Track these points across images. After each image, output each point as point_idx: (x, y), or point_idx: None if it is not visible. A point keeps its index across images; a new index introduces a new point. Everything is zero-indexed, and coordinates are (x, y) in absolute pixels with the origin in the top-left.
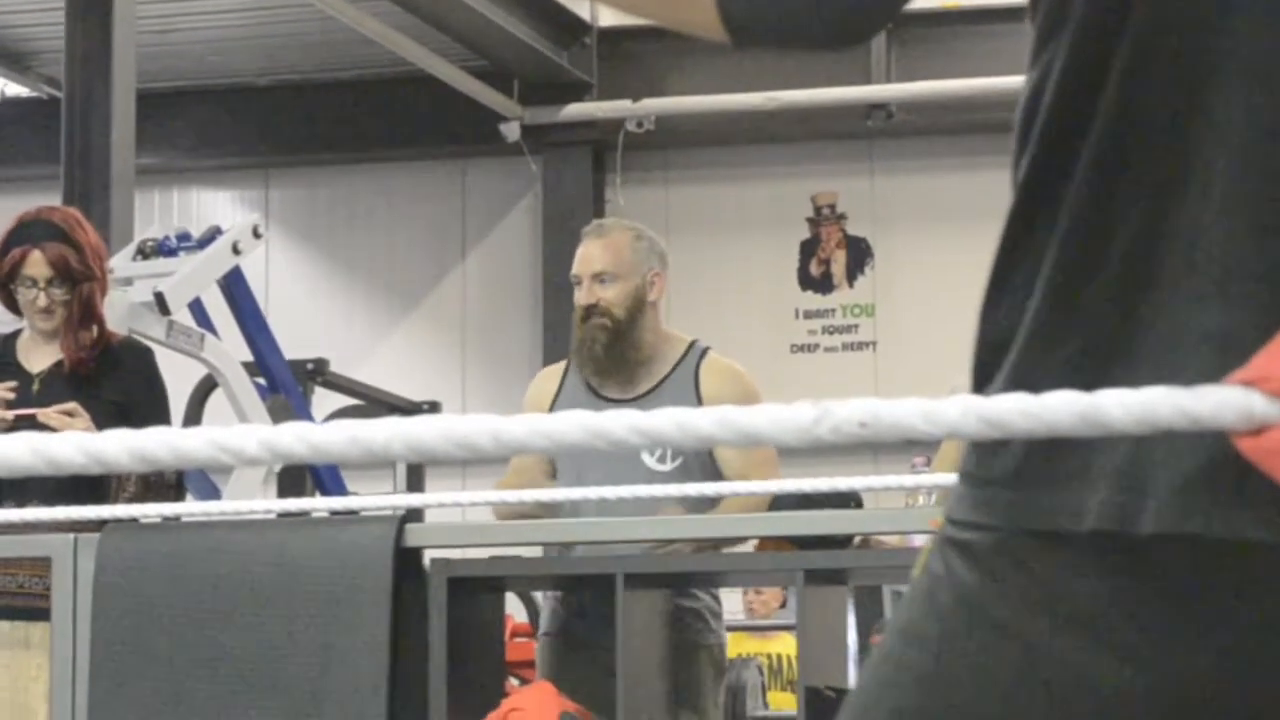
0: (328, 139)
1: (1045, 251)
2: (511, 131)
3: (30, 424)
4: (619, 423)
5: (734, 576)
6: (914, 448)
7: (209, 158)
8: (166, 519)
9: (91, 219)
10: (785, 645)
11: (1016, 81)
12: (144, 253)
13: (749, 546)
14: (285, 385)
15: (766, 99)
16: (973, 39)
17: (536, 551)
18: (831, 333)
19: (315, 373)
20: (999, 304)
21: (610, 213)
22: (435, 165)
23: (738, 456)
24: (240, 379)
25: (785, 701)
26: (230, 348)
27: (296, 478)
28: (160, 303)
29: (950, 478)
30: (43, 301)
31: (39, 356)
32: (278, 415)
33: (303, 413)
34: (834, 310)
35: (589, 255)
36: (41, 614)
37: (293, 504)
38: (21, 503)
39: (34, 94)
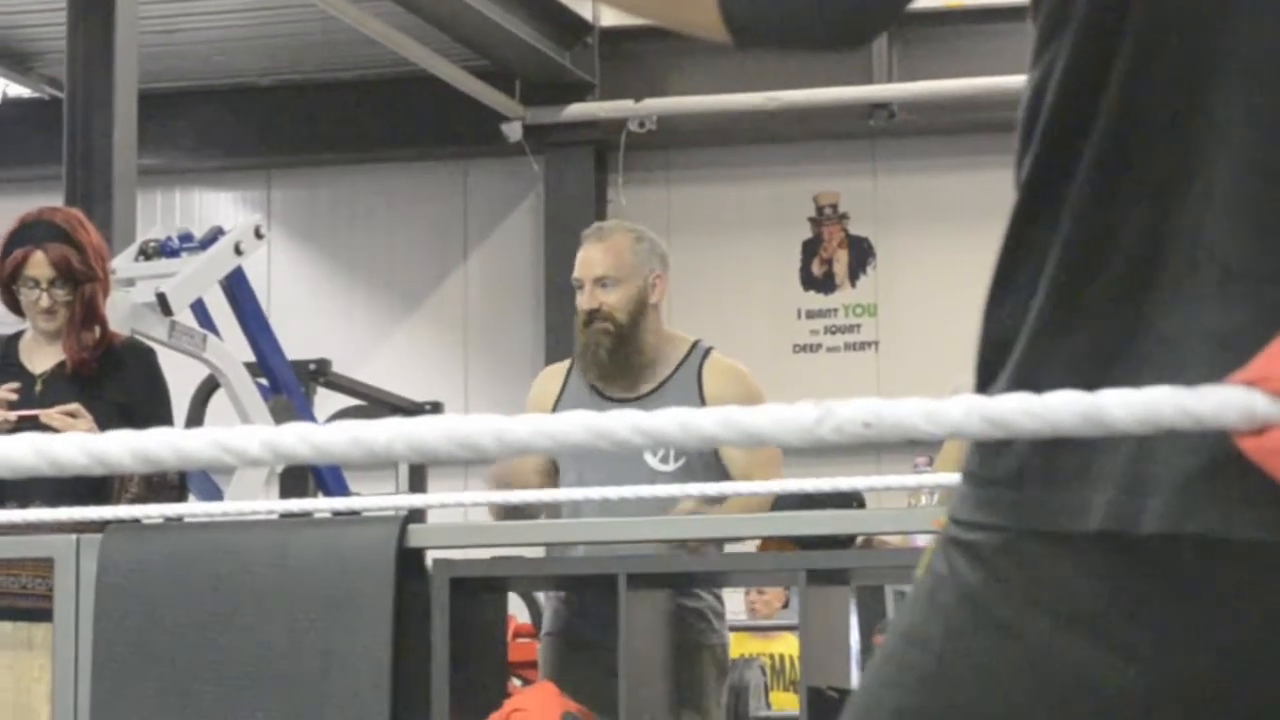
0: (330, 139)
1: (1048, 251)
2: (513, 132)
3: (33, 425)
4: (622, 423)
5: (736, 576)
6: (916, 447)
7: (211, 158)
8: (169, 520)
9: (93, 219)
10: (788, 645)
11: (1018, 81)
12: (146, 253)
13: (751, 546)
14: (287, 386)
15: (768, 99)
16: (975, 38)
17: (539, 552)
18: (833, 333)
19: (317, 373)
20: (1002, 303)
21: (612, 213)
22: (437, 165)
23: (743, 455)
24: (242, 380)
25: (788, 702)
26: (232, 348)
27: (299, 478)
28: (162, 303)
29: (952, 478)
30: (45, 302)
31: (41, 357)
32: (280, 416)
33: (305, 413)
34: (836, 310)
35: (590, 259)
36: (44, 615)
37: (295, 505)
38: (24, 503)
39: (36, 94)
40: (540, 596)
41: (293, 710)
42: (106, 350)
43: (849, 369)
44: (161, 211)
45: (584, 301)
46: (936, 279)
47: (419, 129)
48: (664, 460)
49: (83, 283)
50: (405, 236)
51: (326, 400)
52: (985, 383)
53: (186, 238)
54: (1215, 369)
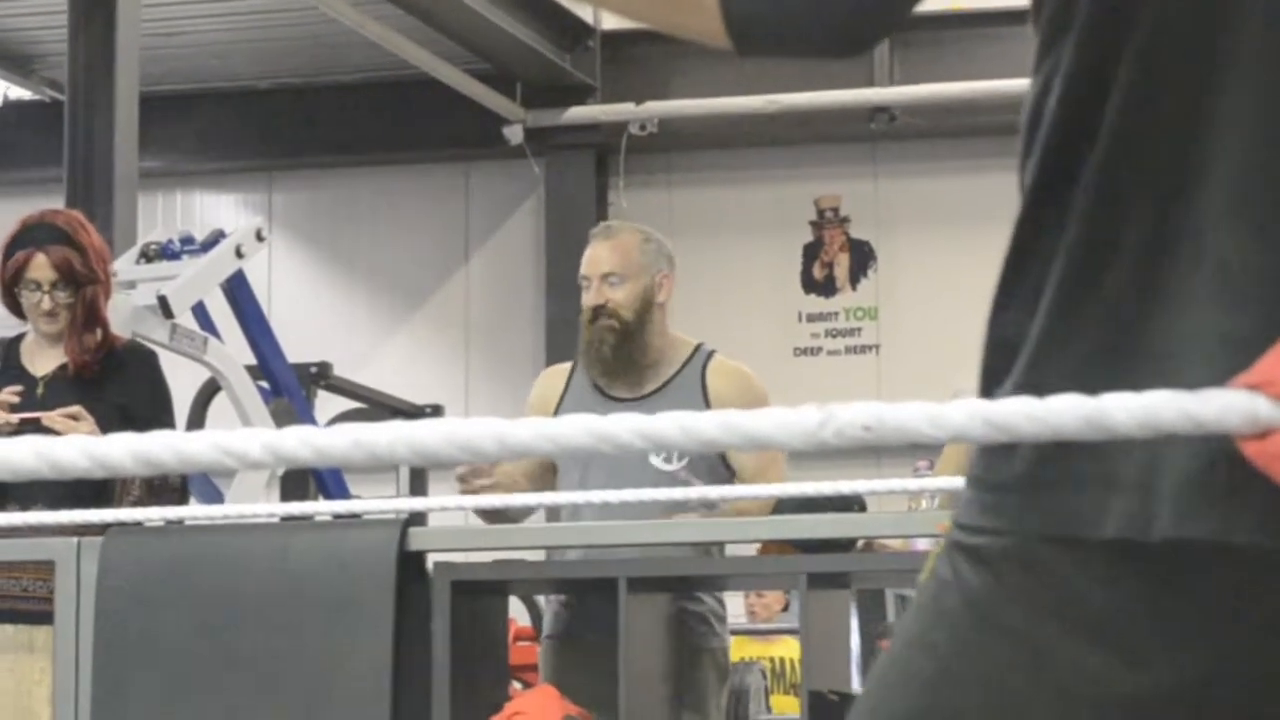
0: (331, 142)
1: (1054, 255)
2: (514, 134)
3: (34, 427)
4: (623, 426)
5: (737, 580)
6: (917, 451)
7: (212, 161)
8: (170, 523)
9: (95, 222)
10: (788, 649)
11: (1019, 84)
12: (147, 256)
13: (752, 550)
14: (288, 388)
15: (769, 102)
16: (975, 42)
17: (539, 555)
18: (834, 336)
19: (318, 376)
20: (1007, 307)
21: (613, 215)
22: (438, 168)
23: (749, 460)
24: (243, 382)
25: (788, 705)
26: (233, 351)
27: (300, 481)
28: (163, 306)
29: (953, 481)
30: (47, 305)
31: (43, 360)
32: (281, 419)
33: (306, 416)
34: (837, 313)
35: (597, 256)
36: (45, 618)
37: (296, 508)
38: (26, 506)
39: (37, 97)
40: (541, 600)
41: (293, 713)
42: (108, 353)
43: (850, 372)
44: (162, 214)
45: (590, 298)
46: (937, 282)
47: (420, 132)
48: (667, 460)
49: (84, 285)
50: (406, 239)
51: (327, 403)
52: (990, 387)
53: (188, 240)
54: (1219, 372)
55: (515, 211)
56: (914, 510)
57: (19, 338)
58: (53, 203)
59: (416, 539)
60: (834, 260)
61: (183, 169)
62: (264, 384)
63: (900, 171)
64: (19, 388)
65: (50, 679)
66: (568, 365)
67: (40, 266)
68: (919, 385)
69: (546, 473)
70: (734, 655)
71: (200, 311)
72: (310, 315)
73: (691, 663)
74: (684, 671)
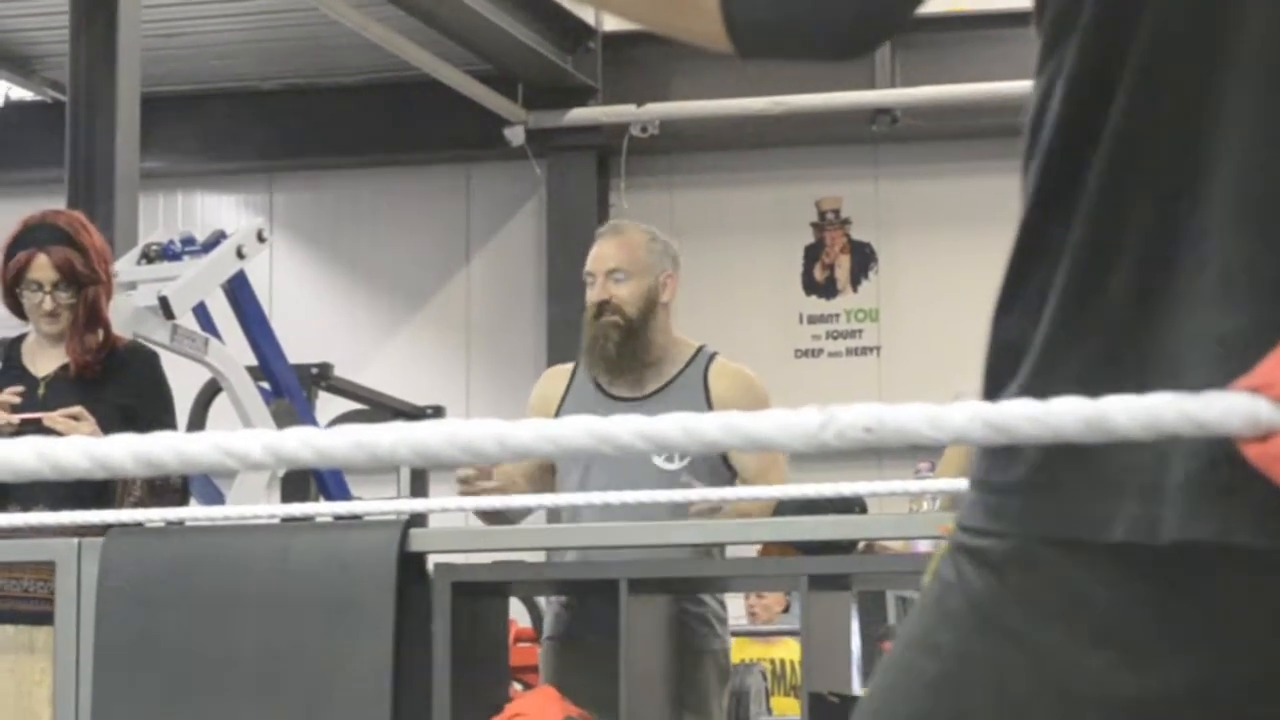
0: (332, 143)
1: (1058, 258)
2: (516, 136)
3: (36, 428)
4: (625, 427)
5: (738, 581)
6: (918, 453)
7: (213, 161)
8: (170, 524)
9: (95, 222)
10: (788, 650)
11: (1021, 86)
12: (148, 257)
13: (753, 551)
14: (289, 389)
15: (771, 104)
16: (977, 44)
17: (540, 556)
18: (835, 337)
19: (319, 377)
20: (1010, 310)
21: (614, 217)
22: (440, 169)
23: (752, 457)
24: (244, 383)
25: (788, 707)
26: (234, 352)
27: (300, 482)
28: (164, 307)
29: (954, 483)
30: (48, 305)
31: (44, 360)
32: (281, 420)
33: (306, 417)
34: (838, 315)
35: (603, 253)
36: (45, 618)
37: (296, 509)
38: (27, 507)
39: (39, 98)
40: (542, 601)
41: (294, 714)
42: (109, 353)
43: (850, 374)
44: (163, 215)
45: (594, 294)
46: (938, 284)
47: (421, 133)
48: (669, 459)
49: (86, 285)
50: (407, 240)
51: (328, 404)
52: (995, 390)
53: (189, 241)
54: (1221, 375)
55: (516, 213)
56: (915, 512)
57: (20, 338)
58: (54, 203)
59: (417, 540)
60: (835, 262)
61: (184, 170)
62: (265, 385)
63: (901, 173)
64: (20, 388)
65: (51, 679)
66: (569, 366)
67: (42, 267)
68: (920, 387)
69: (545, 473)
70: (735, 657)
71: (201, 312)
72: (311, 316)
73: (692, 664)
74: (685, 673)
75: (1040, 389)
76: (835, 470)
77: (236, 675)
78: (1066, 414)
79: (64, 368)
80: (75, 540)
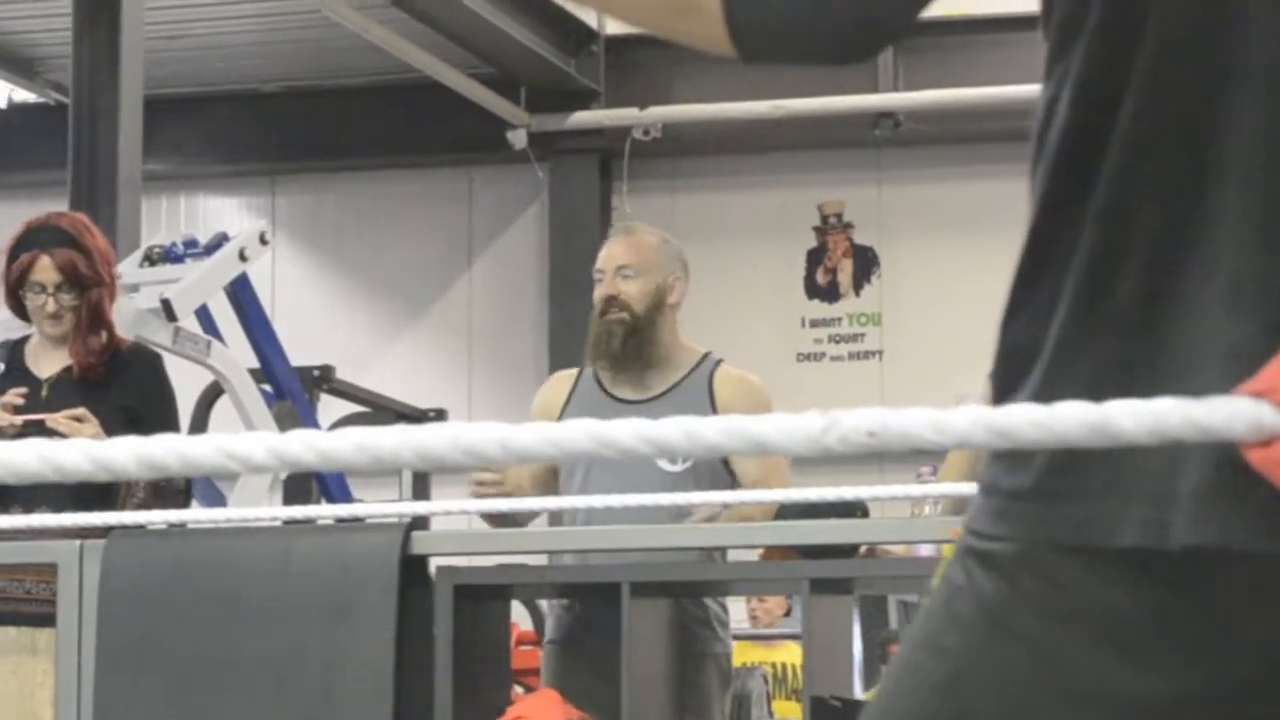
0: (334, 146)
1: (1067, 264)
2: (518, 139)
3: (39, 429)
4: (626, 431)
5: (740, 585)
6: (920, 457)
7: (216, 164)
8: (172, 526)
9: (98, 225)
10: (790, 654)
11: (1024, 90)
12: (151, 259)
13: (754, 555)
14: (291, 392)
15: (773, 107)
16: (980, 48)
17: (542, 559)
18: (838, 341)
19: (321, 379)
20: (1020, 315)
21: (616, 220)
22: (442, 172)
23: (754, 464)
24: (246, 386)
25: (790, 711)
26: (236, 354)
27: (302, 485)
28: (167, 309)
29: (957, 487)
30: (51, 307)
31: (48, 362)
32: (283, 422)
33: (309, 419)
34: (840, 319)
35: (613, 251)
36: (48, 620)
37: (298, 511)
38: (30, 508)
39: (41, 100)
40: (543, 604)
41: (295, 716)
42: (113, 355)
43: (853, 378)
44: (166, 217)
45: (602, 290)
46: (941, 288)
47: (424, 136)
48: (672, 461)
49: (89, 287)
50: (410, 243)
51: (330, 407)
52: (1005, 396)
53: (191, 244)
54: (1226, 380)
55: (519, 216)
56: (917, 516)
57: (23, 340)
58: (57, 205)
59: (419, 543)
60: (837, 266)
61: (186, 172)
62: (267, 387)
63: (904, 177)
64: (23, 390)
65: (53, 681)
66: (573, 371)
67: (45, 269)
68: (922, 391)
69: (551, 476)
70: (736, 660)
71: (203, 315)
72: (313, 319)
73: (694, 668)
74: (686, 676)
75: (1050, 394)
76: (837, 474)
77: (238, 677)
78: (1070, 419)
79: (67, 369)
80: (77, 542)
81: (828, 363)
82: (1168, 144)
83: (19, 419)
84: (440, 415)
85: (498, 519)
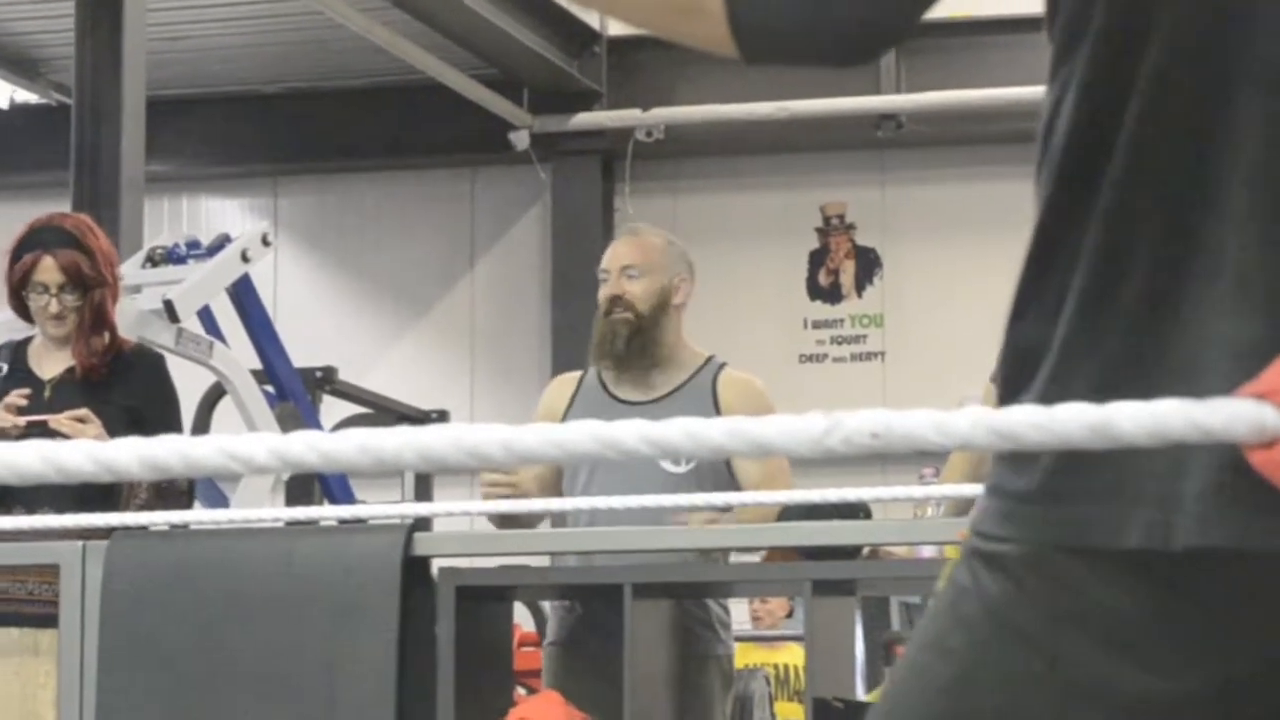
0: (337, 147)
1: (1072, 265)
2: (520, 140)
3: (42, 430)
4: (630, 432)
5: (742, 587)
6: (923, 459)
7: (218, 165)
8: (175, 527)
9: (101, 226)
10: (792, 656)
11: (1027, 92)
12: (153, 260)
13: (757, 556)
14: (293, 393)
15: (776, 109)
16: (982, 50)
17: (544, 560)
18: (840, 343)
19: (323, 381)
20: (1025, 316)
21: (619, 222)
22: (444, 173)
23: (755, 468)
24: (249, 387)
25: (792, 712)
26: (239, 355)
27: (305, 486)
28: (169, 310)
29: (959, 489)
30: (54, 308)
31: (51, 363)
32: (286, 423)
33: (311, 421)
34: (843, 320)
35: (619, 251)
36: (50, 621)
37: (301, 512)
38: (32, 509)
39: (44, 101)
40: (546, 605)
41: (297, 717)
42: (116, 356)
43: (855, 379)
44: (168, 218)
45: (607, 289)
46: (943, 289)
47: (426, 137)
48: (675, 462)
49: (92, 288)
50: (412, 244)
51: (332, 408)
52: (1011, 396)
53: (193, 245)
54: (1230, 381)
55: (521, 217)
56: (919, 517)
57: (26, 341)
58: (59, 206)
59: (421, 544)
60: (840, 267)
61: (188, 173)
62: (269, 389)
63: (907, 179)
64: (26, 390)
65: (55, 682)
66: (577, 374)
67: (48, 269)
68: (924, 392)
69: (557, 478)
70: (738, 662)
71: (206, 316)
72: (316, 320)
73: (696, 669)
74: (688, 678)
75: (1056, 395)
76: (839, 475)
77: (240, 678)
78: (1072, 420)
79: (70, 370)
80: (80, 543)
81: (830, 364)
82: (1172, 146)
83: (22, 420)
84: (442, 416)
85: (505, 520)
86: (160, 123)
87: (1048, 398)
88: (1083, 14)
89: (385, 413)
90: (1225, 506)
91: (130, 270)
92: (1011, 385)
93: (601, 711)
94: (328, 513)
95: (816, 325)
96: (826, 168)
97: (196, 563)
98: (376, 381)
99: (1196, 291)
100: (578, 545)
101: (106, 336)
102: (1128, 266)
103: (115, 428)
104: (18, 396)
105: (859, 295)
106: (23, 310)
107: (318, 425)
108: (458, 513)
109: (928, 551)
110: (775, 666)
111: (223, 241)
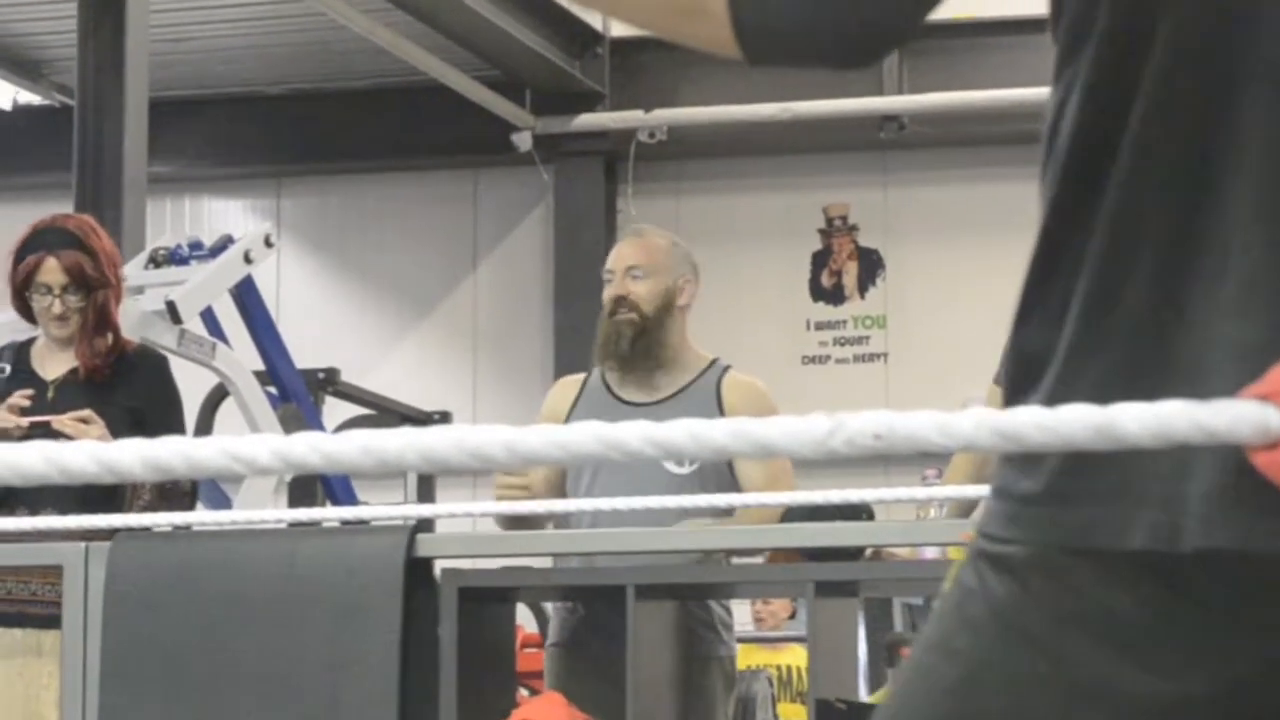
0: (340, 148)
1: (1079, 267)
2: (523, 141)
3: (45, 431)
4: (633, 433)
5: (745, 588)
6: (926, 460)
7: (221, 166)
8: (177, 528)
9: (103, 227)
10: (795, 657)
11: (1029, 93)
12: (156, 261)
13: (760, 557)
14: (296, 394)
15: (778, 110)
16: (985, 51)
17: (547, 562)
18: (843, 344)
19: (326, 382)
20: (1030, 319)
21: (621, 223)
22: (447, 175)
23: (758, 472)
24: (251, 388)
25: (795, 713)
26: (242, 357)
27: (307, 487)
28: (172, 311)
29: (962, 490)
30: (57, 309)
31: (54, 364)
32: (288, 424)
33: (314, 422)
34: (845, 322)
35: (624, 252)
36: (53, 621)
37: (304, 514)
38: (36, 510)
39: (46, 102)
40: (548, 606)
41: (299, 718)
42: (119, 357)
43: (858, 381)
44: (171, 219)
45: (611, 290)
46: (946, 291)
47: (428, 138)
48: (679, 463)
49: (95, 289)
50: (415, 245)
51: (335, 409)
52: (1018, 399)
53: (196, 246)
54: (1235, 383)
55: (523, 219)
56: (922, 518)
57: (29, 342)
58: (61, 208)
59: (424, 545)
60: (842, 268)
61: (191, 174)
62: (272, 390)
63: (909, 180)
64: (30, 391)
65: (58, 683)
66: (581, 376)
67: (51, 270)
68: (927, 394)
69: (563, 478)
70: (741, 663)
71: (208, 317)
72: (318, 321)
73: (698, 670)
74: (691, 679)
75: (1062, 398)
76: (842, 476)
77: (242, 679)
78: (1075, 421)
79: (73, 371)
80: (82, 544)
81: (832, 365)
82: (1177, 147)
83: (25, 421)
84: (445, 418)
85: (512, 522)
86: (163, 123)
87: (1053, 401)
88: (1087, 15)
89: (388, 414)
90: (1229, 508)
91: (133, 271)
92: (1017, 389)
93: (604, 713)
94: (330, 514)
95: (819, 326)
96: (829, 169)
97: (199, 564)
98: (379, 383)
99: (1201, 293)
100: (580, 546)
101: (110, 337)
102: (1132, 269)
103: (118, 429)
104: (21, 397)
105: (861, 297)
106: (26, 311)
107: (320, 426)
108: (460, 514)
109: (930, 553)
110: (778, 668)
111: (225, 243)
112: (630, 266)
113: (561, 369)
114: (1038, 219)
